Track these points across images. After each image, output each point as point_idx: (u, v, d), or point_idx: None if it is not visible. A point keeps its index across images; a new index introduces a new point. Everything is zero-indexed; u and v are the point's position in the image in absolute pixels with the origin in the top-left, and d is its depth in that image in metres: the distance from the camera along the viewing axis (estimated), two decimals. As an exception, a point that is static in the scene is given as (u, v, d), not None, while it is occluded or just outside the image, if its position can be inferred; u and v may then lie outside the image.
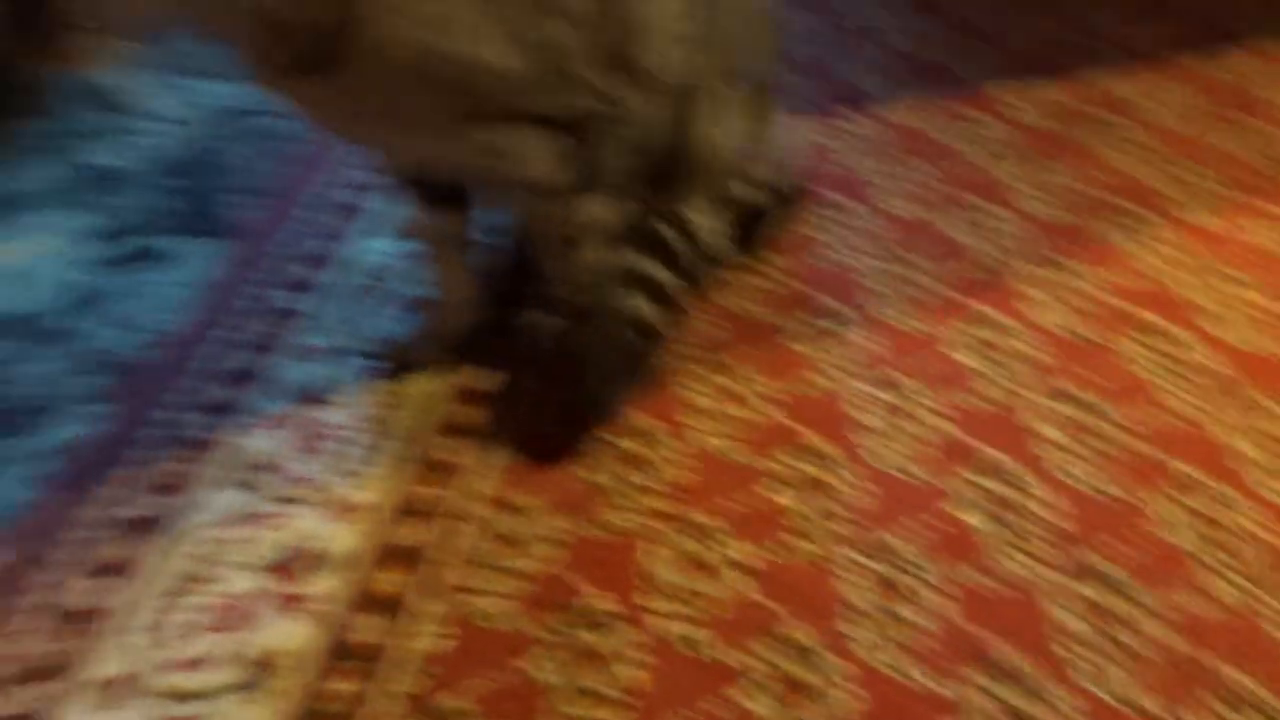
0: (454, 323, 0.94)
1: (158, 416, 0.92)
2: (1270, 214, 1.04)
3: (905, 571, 0.73)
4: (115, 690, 0.70)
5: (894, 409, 0.86)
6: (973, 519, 0.77)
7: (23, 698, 0.70)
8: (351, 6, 0.66)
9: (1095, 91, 1.19)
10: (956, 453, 0.82)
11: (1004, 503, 0.78)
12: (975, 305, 0.94)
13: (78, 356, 1.01)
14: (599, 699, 0.67)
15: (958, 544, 0.75)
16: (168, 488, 0.85)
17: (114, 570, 0.79)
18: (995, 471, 0.80)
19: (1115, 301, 0.94)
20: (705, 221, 0.93)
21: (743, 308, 0.96)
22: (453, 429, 0.88)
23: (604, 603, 0.73)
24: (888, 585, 0.73)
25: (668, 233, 0.91)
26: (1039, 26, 1.29)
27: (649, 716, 0.66)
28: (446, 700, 0.68)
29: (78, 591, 0.77)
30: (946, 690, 0.66)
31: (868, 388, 0.88)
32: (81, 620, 0.75)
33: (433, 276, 0.94)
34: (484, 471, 0.84)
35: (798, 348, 0.92)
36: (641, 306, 0.88)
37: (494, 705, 0.67)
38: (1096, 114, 1.16)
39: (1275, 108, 1.18)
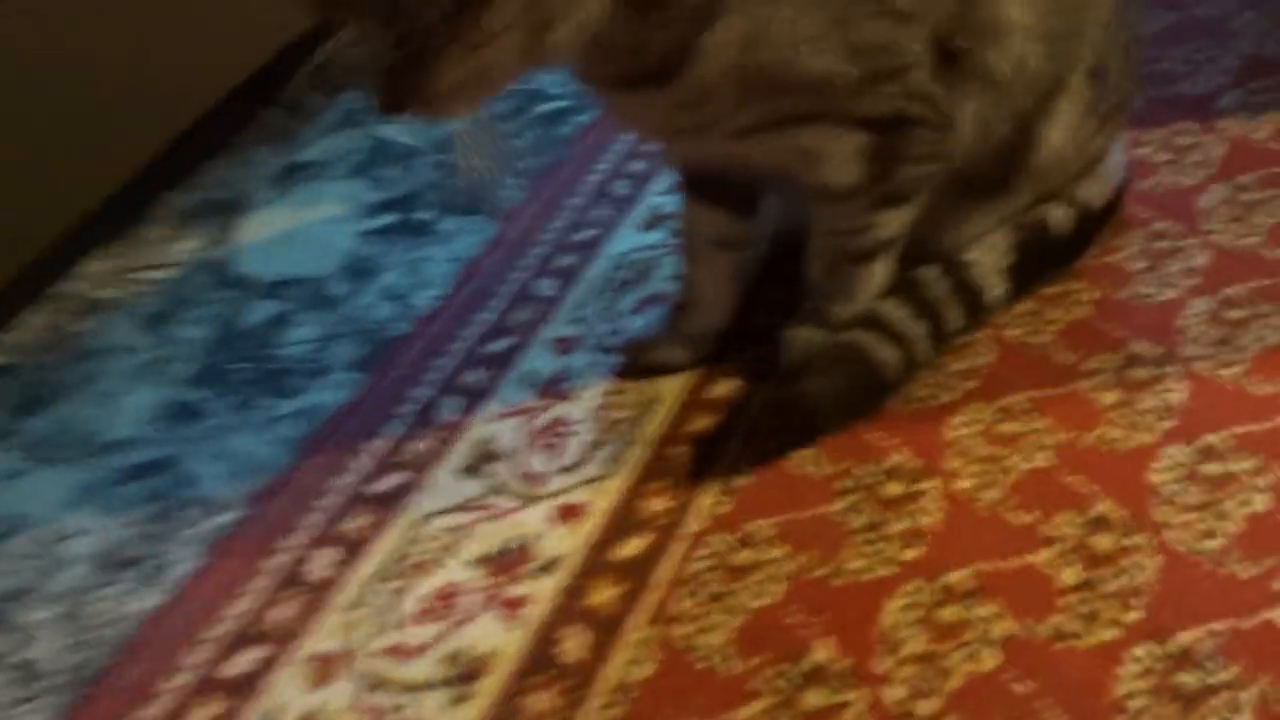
0: (703, 326, 0.89)
1: (413, 394, 0.93)
2: None
3: (1211, 691, 0.59)
4: (328, 666, 0.70)
5: (1215, 483, 0.71)
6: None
7: (242, 660, 0.71)
8: (700, 32, 0.67)
9: None
10: (1295, 549, 0.66)
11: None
12: (1334, 367, 0.76)
13: (347, 324, 1.04)
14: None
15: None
16: (411, 466, 0.85)
17: (349, 544, 0.79)
18: (1347, 580, 0.64)
19: None
20: (988, 259, 0.83)
21: (1038, 342, 0.84)
22: (689, 438, 0.82)
23: (835, 661, 0.64)
24: (1186, 701, 0.59)
25: (937, 283, 0.82)
26: None
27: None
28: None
29: (315, 562, 0.78)
30: None
31: (1184, 455, 0.73)
32: (312, 590, 0.76)
33: (690, 276, 0.89)
34: (718, 490, 0.77)
35: (1100, 396, 0.79)
36: (883, 353, 0.79)
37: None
38: None
39: None
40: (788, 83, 0.70)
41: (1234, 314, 0.82)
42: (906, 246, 0.83)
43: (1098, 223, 0.89)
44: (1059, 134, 0.81)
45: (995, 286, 0.84)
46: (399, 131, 1.31)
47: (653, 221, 1.06)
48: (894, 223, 0.80)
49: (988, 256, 0.84)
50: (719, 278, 0.88)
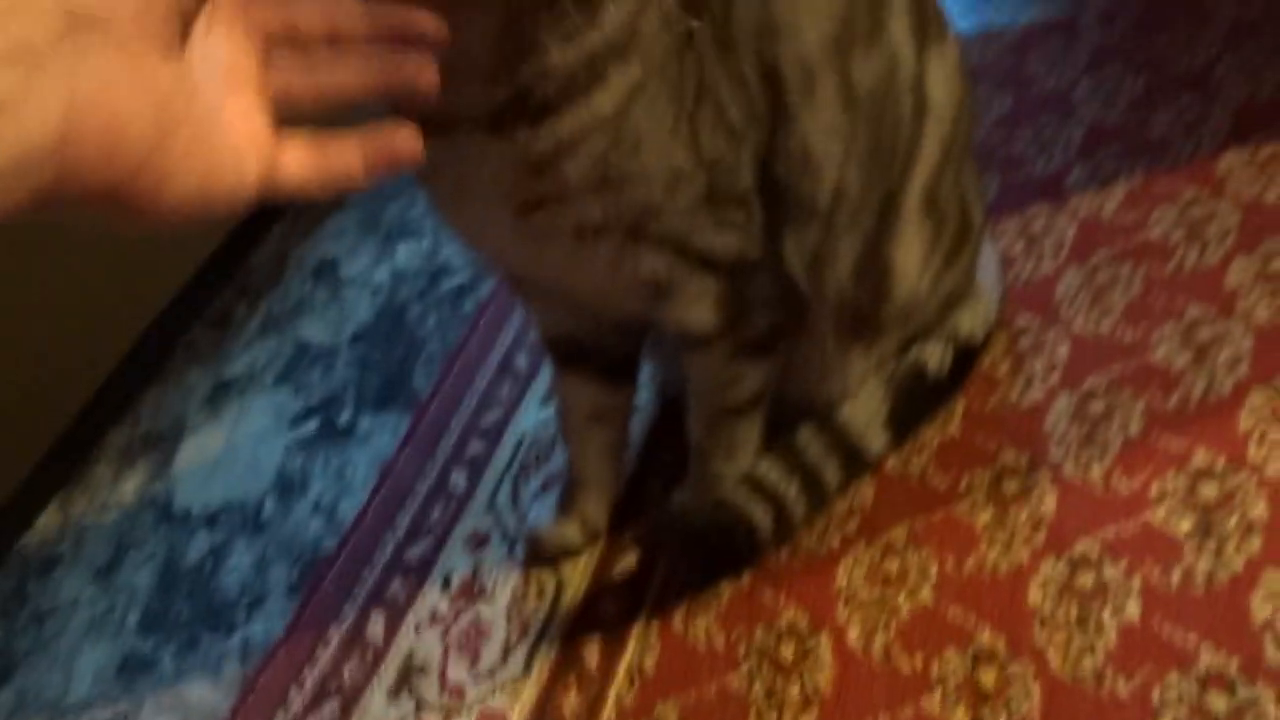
0: (594, 504, 0.91)
1: (342, 613, 0.96)
2: None
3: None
4: None
5: (1088, 596, 0.73)
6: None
7: None
8: (600, 68, 0.63)
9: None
10: (1171, 657, 0.68)
11: (1231, 730, 0.63)
12: (1195, 453, 0.78)
13: (280, 547, 1.08)
14: None
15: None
16: (344, 693, 0.88)
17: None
18: (1223, 683, 0.65)
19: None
20: (864, 413, 0.84)
21: (914, 470, 0.86)
22: (597, 624, 0.85)
23: None
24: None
25: (814, 443, 0.83)
26: (1274, 71, 1.08)
27: None
28: None
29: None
30: None
31: (1057, 570, 0.75)
32: None
33: (572, 454, 0.92)
34: (625, 678, 0.79)
35: (975, 517, 0.81)
36: (756, 514, 0.81)
37: None
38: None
39: None
40: (637, 166, 0.67)
41: (1095, 407, 0.84)
42: (789, 400, 0.85)
43: (979, 351, 0.90)
44: (910, 256, 0.81)
45: (875, 441, 0.85)
46: (317, 331, 1.36)
47: (552, 393, 1.10)
48: (759, 374, 0.82)
49: (864, 411, 0.85)
50: (600, 454, 0.90)
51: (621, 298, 0.78)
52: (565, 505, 0.92)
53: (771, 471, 0.83)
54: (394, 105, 0.70)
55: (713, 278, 0.75)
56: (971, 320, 0.88)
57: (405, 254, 1.44)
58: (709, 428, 0.85)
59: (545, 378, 1.12)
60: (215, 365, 1.38)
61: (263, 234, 1.60)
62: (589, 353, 0.87)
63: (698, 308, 0.76)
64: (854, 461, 0.85)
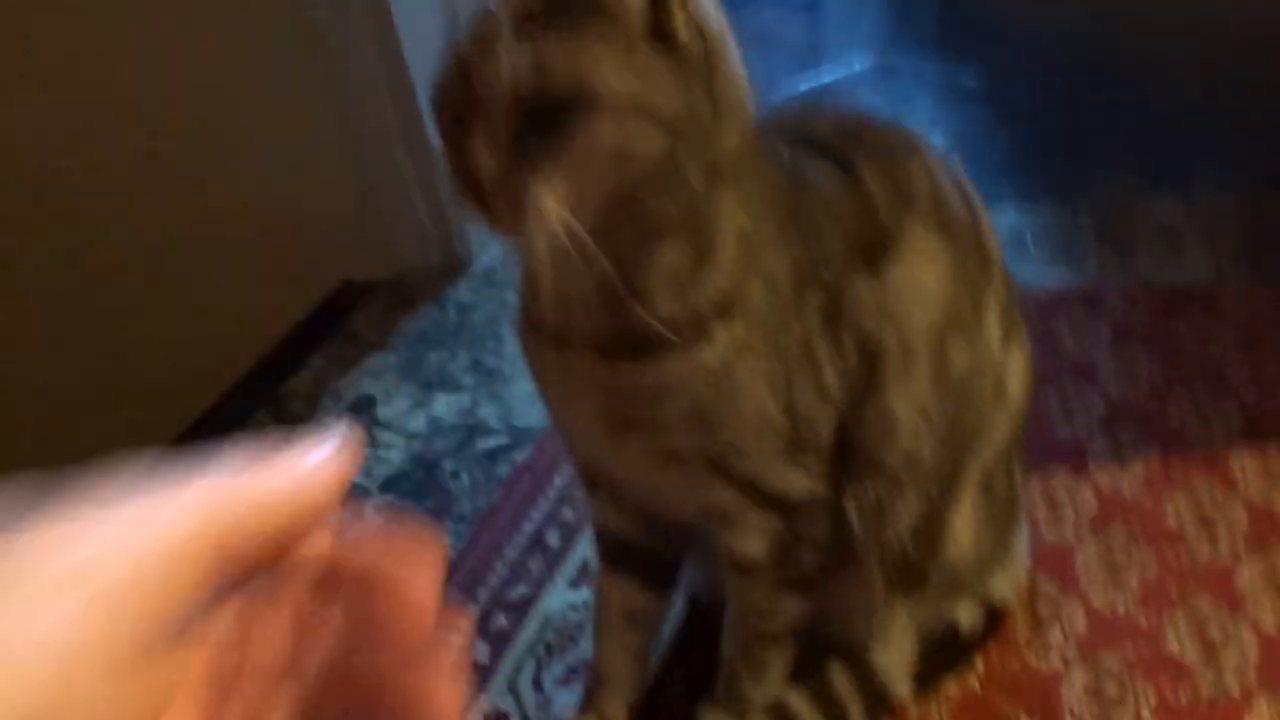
0: (616, 705, 0.94)
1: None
2: None
3: None
4: None
5: None
6: None
7: None
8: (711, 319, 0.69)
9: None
10: None
11: None
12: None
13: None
14: None
15: None
16: None
17: None
18: None
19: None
20: (896, 660, 0.89)
21: (932, 716, 0.90)
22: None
23: None
24: None
25: (843, 680, 0.88)
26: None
27: None
28: None
29: None
30: None
31: None
32: None
33: (601, 652, 0.94)
34: None
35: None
36: None
37: None
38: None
39: None
40: (733, 412, 0.72)
41: (1110, 689, 0.90)
42: (823, 633, 0.89)
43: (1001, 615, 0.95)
44: (965, 522, 0.87)
45: (900, 687, 0.89)
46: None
47: (582, 576, 1.14)
48: (798, 608, 0.86)
49: (895, 656, 0.89)
50: (628, 655, 0.93)
51: (684, 513, 0.83)
52: (586, 704, 0.95)
53: (801, 704, 0.87)
54: (523, 317, 0.77)
55: (774, 514, 0.80)
56: (1005, 583, 0.94)
57: (444, 405, 1.48)
58: (743, 650, 0.89)
59: (576, 558, 1.16)
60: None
61: (301, 361, 1.65)
62: (636, 554, 0.92)
63: (753, 540, 0.81)
64: (878, 704, 0.89)
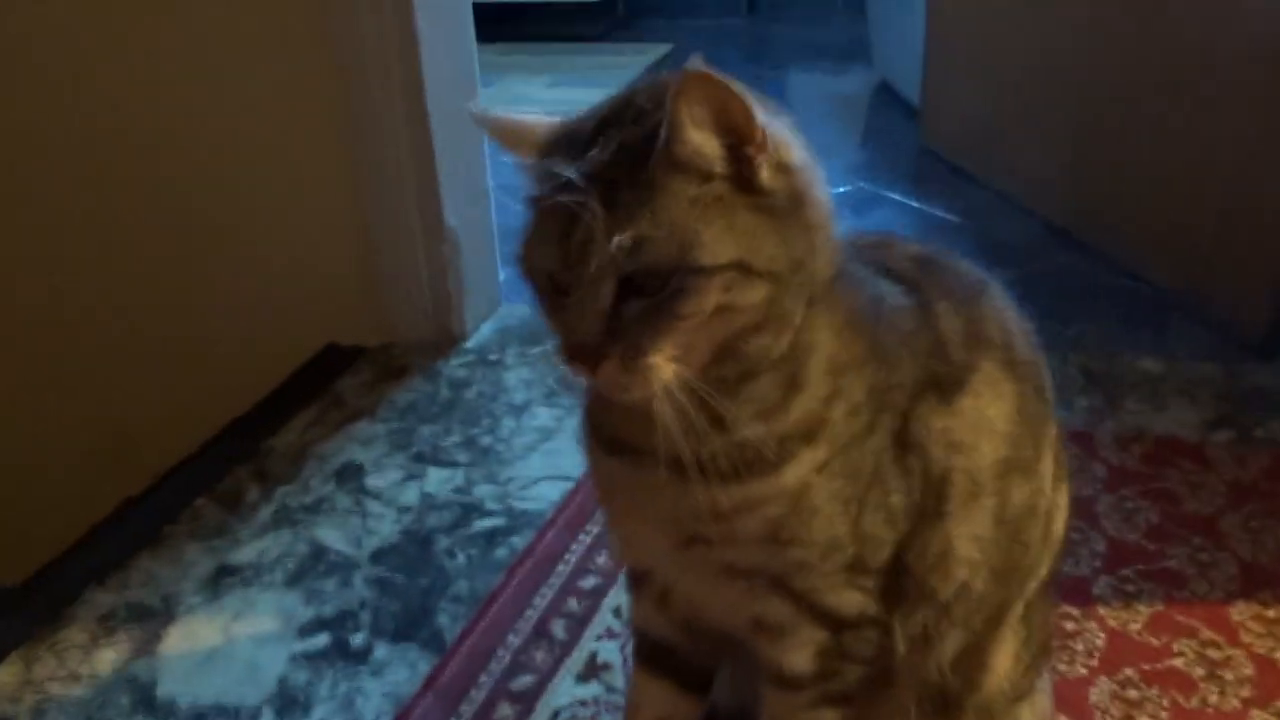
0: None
1: None
2: None
3: None
4: None
5: None
6: None
7: None
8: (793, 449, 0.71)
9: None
10: None
11: None
12: None
13: (277, 774, 1.02)
14: None
15: None
16: None
17: None
18: None
19: None
20: None
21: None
22: None
23: None
24: None
25: None
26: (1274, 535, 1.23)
27: None
28: None
29: None
30: None
31: None
32: None
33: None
34: None
35: None
36: None
37: None
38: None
39: None
40: (806, 531, 0.73)
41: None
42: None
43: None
44: (1005, 658, 0.88)
45: None
46: (336, 538, 1.35)
47: (590, 671, 1.11)
48: None
49: None
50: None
51: (734, 623, 0.82)
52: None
53: None
54: (592, 430, 0.77)
55: (825, 631, 0.80)
56: (1031, 716, 0.94)
57: (437, 480, 1.45)
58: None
59: (584, 653, 1.13)
60: (219, 546, 1.34)
61: (285, 419, 1.60)
62: (676, 659, 0.90)
63: (801, 654, 0.81)
64: None
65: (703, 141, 0.63)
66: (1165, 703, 1.02)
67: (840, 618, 0.79)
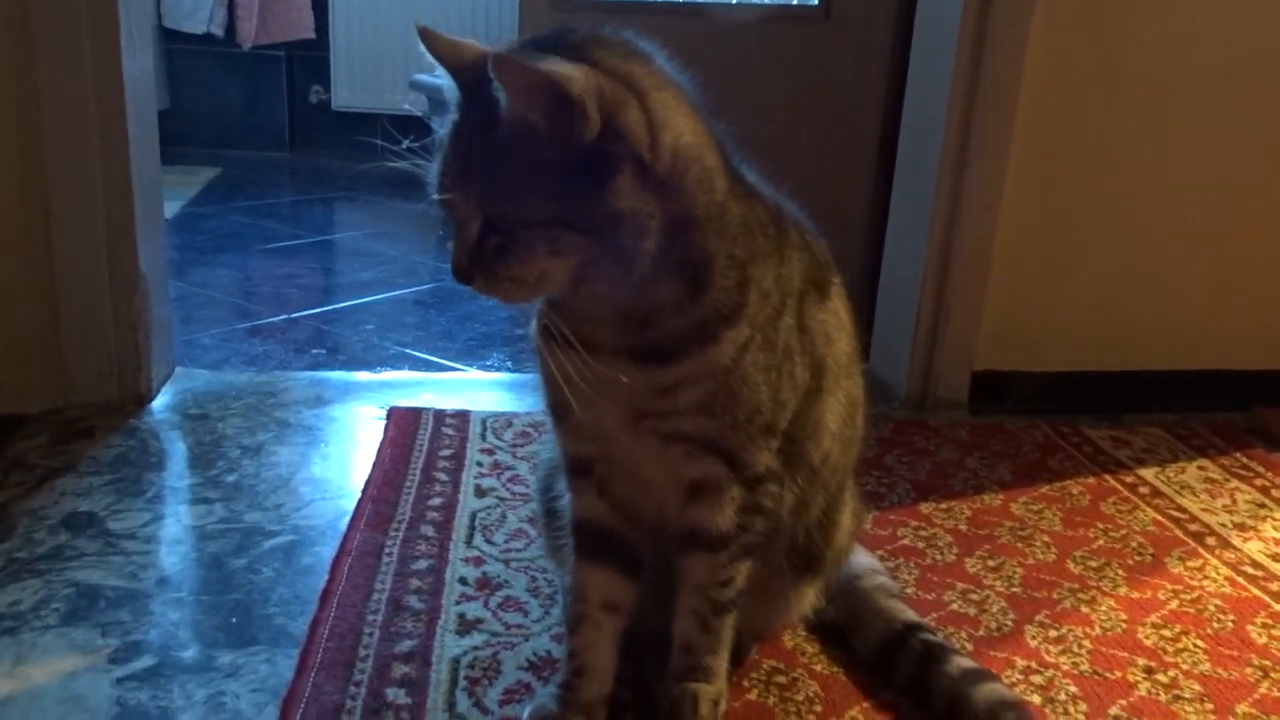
0: (598, 692, 0.98)
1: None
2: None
3: None
4: None
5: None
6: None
7: None
8: (722, 326, 0.87)
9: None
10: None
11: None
12: None
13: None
14: None
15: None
16: None
17: None
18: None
19: None
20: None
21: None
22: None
23: None
24: None
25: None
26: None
27: None
28: None
29: None
30: None
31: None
32: None
33: (581, 644, 0.98)
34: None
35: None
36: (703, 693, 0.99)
37: None
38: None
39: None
40: (737, 398, 0.89)
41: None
42: (744, 629, 1.04)
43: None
44: (846, 518, 1.10)
45: None
46: (102, 576, 1.19)
47: (466, 626, 1.13)
48: (744, 576, 1.00)
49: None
50: (608, 643, 0.98)
51: (674, 492, 0.96)
52: (569, 699, 0.97)
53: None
54: (547, 333, 0.89)
55: (742, 487, 0.97)
56: (843, 571, 1.18)
57: (196, 515, 1.34)
58: (703, 626, 1.00)
59: (451, 616, 1.14)
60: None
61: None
62: (614, 543, 0.99)
63: (726, 513, 0.96)
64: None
65: (525, 111, 0.77)
66: (915, 562, 1.32)
67: (756, 474, 0.96)
